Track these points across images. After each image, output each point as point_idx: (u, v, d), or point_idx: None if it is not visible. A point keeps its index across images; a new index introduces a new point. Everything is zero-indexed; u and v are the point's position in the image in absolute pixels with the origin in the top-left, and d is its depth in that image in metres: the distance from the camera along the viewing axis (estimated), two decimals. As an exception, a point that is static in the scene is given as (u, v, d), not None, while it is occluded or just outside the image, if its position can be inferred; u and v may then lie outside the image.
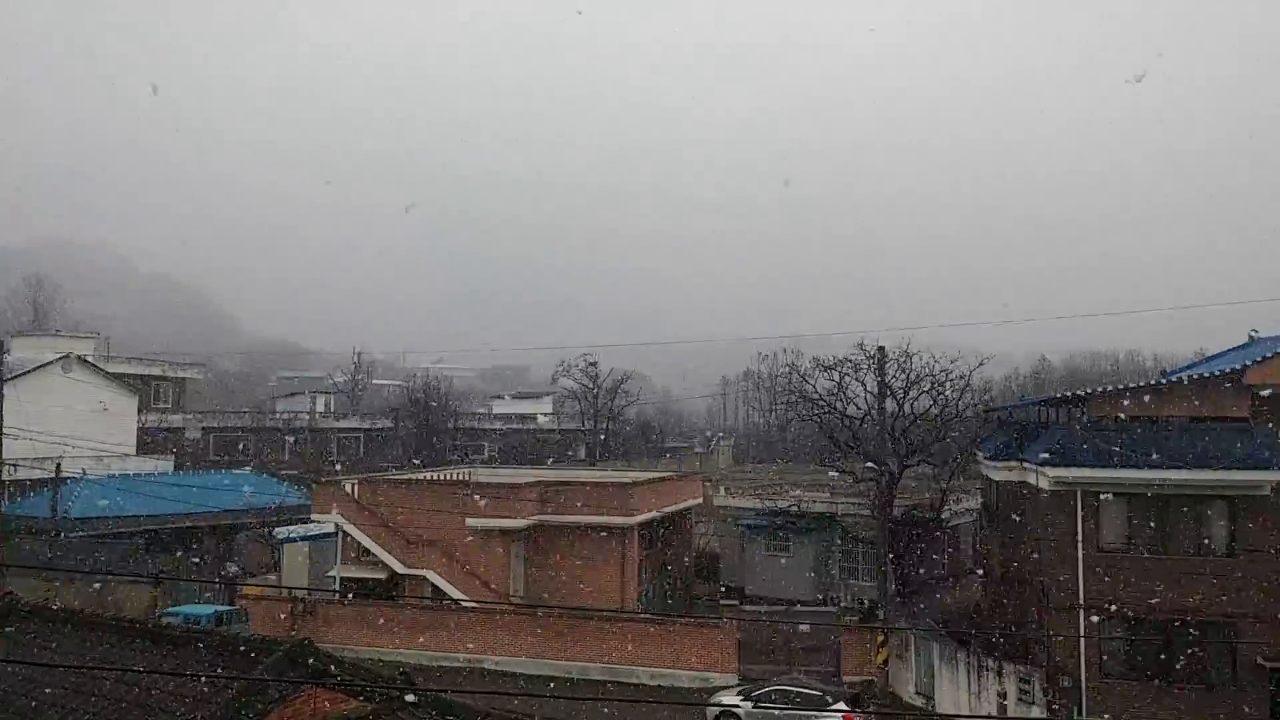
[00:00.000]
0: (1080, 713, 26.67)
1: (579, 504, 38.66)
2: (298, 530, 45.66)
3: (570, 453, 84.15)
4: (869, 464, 38.57)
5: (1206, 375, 28.08)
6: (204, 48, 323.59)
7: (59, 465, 42.75)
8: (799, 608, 41.87)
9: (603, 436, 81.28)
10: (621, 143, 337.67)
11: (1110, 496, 27.09)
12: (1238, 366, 27.49)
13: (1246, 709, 25.61)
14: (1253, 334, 33.21)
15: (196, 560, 45.78)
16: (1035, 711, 27.45)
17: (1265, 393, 26.99)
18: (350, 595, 38.94)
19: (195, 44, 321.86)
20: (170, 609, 36.39)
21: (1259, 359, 27.26)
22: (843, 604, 37.36)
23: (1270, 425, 26.71)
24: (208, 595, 40.63)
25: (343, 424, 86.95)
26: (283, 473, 64.59)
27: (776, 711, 28.18)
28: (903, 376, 39.20)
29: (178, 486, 48.75)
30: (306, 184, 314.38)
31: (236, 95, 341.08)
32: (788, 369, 56.43)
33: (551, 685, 33.24)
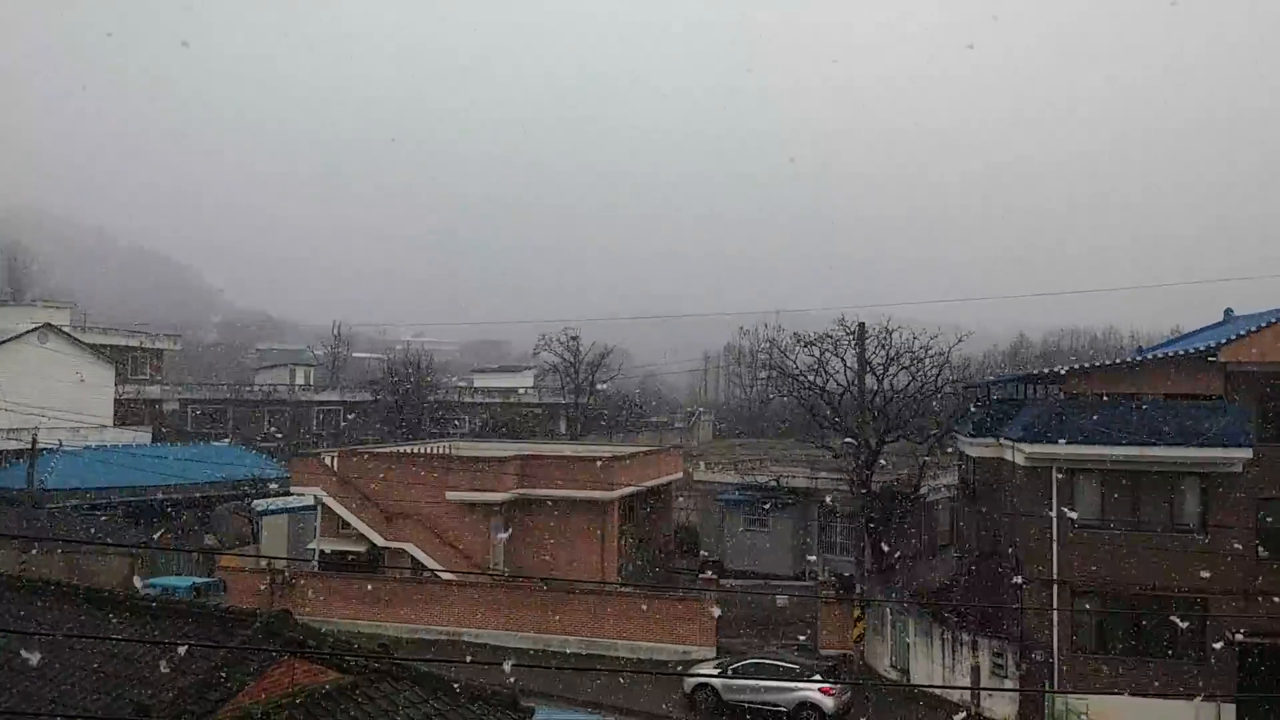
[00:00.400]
0: (1052, 686, 27.07)
1: (559, 478, 38.69)
2: (277, 503, 45.56)
3: (551, 427, 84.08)
4: (847, 439, 38.77)
5: (1182, 353, 28.31)
6: (183, 20, 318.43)
7: (35, 436, 42.41)
8: (777, 580, 42.21)
9: (584, 411, 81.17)
10: (612, 123, 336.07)
11: (1084, 472, 27.38)
12: (1212, 344, 27.70)
13: (1216, 683, 26.04)
14: (1228, 312, 33.52)
15: (176, 533, 45.63)
16: (1008, 684, 27.84)
17: (1239, 370, 27.25)
18: (316, 565, 38.93)
19: (173, 15, 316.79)
20: (148, 580, 36.32)
21: (1233, 337, 27.48)
22: (820, 579, 37.66)
23: (1243, 403, 27.01)
24: (189, 567, 40.56)
25: (322, 397, 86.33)
26: (262, 445, 64.35)
27: (753, 684, 28.44)
28: (882, 353, 39.35)
29: (156, 459, 48.52)
30: (285, 159, 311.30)
31: (214, 68, 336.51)
32: (768, 344, 56.60)
33: (525, 657, 33.41)
